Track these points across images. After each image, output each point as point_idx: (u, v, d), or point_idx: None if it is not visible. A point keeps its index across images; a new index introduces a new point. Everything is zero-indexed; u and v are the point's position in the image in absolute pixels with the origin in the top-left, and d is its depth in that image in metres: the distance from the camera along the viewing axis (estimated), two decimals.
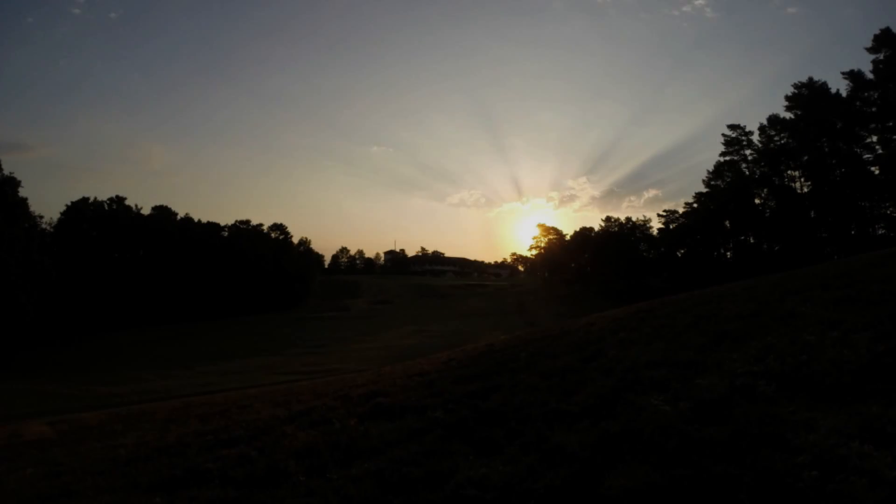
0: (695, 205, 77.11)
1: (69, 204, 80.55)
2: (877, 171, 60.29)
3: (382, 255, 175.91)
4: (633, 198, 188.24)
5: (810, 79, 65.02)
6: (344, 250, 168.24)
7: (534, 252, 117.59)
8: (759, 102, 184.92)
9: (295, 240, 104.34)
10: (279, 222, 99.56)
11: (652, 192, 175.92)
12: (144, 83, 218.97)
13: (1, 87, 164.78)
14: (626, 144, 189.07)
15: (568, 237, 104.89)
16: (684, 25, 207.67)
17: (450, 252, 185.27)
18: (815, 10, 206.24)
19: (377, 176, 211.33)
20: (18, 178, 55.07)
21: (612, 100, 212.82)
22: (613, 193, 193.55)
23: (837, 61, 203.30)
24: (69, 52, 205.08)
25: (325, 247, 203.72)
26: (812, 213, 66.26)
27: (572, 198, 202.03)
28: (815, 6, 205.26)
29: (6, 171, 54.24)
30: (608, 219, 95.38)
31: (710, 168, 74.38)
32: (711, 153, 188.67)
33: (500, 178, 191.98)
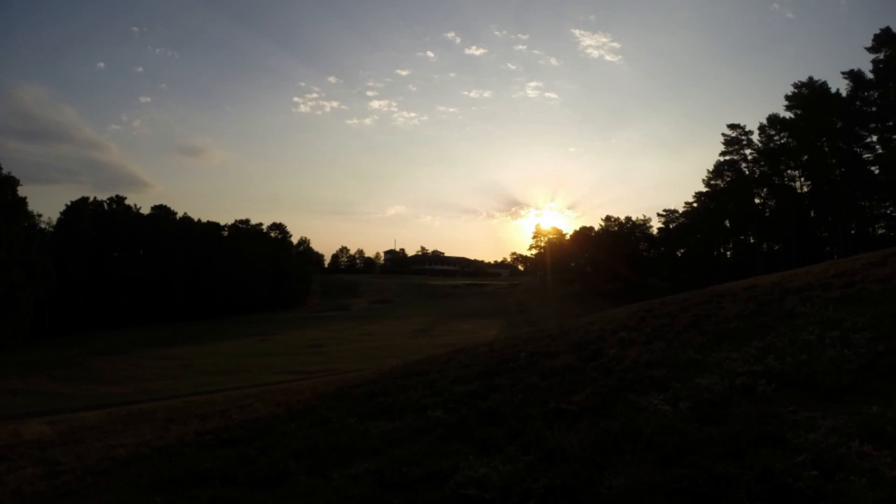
0: (695, 204, 77.13)
1: (69, 204, 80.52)
2: (877, 171, 60.34)
3: (382, 255, 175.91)
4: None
5: (810, 78, 65.09)
6: (344, 250, 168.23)
7: (534, 252, 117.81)
8: (750, 103, 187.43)
9: (294, 239, 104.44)
10: (278, 222, 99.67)
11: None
12: (145, 84, 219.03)
13: None
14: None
15: (568, 237, 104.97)
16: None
17: (450, 252, 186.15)
18: (815, 10, 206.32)
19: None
20: (17, 178, 55.25)
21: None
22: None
23: (837, 61, 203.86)
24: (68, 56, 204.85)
25: (325, 246, 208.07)
26: (812, 213, 66.31)
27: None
28: (816, 6, 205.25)
29: (5, 171, 54.35)
30: (608, 218, 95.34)
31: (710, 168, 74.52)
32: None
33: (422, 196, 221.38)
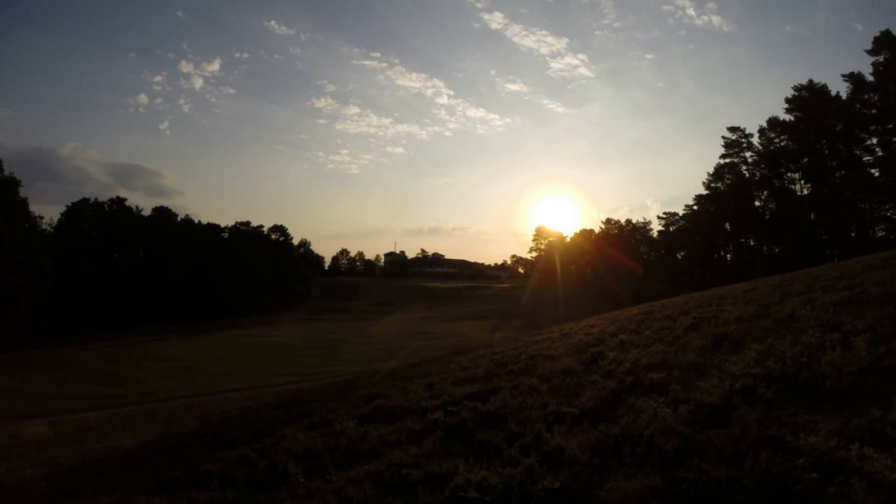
0: (695, 207, 77.12)
1: (69, 205, 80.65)
2: (877, 174, 60.33)
3: (382, 257, 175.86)
4: None
5: (810, 81, 65.11)
6: (344, 252, 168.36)
7: (534, 254, 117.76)
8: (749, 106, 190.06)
9: (295, 241, 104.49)
10: (279, 224, 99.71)
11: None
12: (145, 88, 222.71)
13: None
14: None
15: (568, 239, 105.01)
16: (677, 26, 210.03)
17: (450, 254, 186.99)
18: (814, 12, 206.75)
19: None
20: (18, 178, 55.25)
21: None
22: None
23: (837, 63, 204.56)
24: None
25: (326, 249, 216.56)
26: (812, 215, 66.22)
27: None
28: (815, 8, 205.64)
29: (6, 172, 54.34)
30: (608, 220, 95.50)
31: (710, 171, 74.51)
32: None
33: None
